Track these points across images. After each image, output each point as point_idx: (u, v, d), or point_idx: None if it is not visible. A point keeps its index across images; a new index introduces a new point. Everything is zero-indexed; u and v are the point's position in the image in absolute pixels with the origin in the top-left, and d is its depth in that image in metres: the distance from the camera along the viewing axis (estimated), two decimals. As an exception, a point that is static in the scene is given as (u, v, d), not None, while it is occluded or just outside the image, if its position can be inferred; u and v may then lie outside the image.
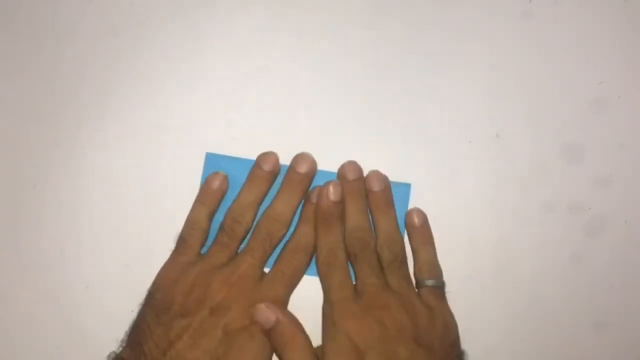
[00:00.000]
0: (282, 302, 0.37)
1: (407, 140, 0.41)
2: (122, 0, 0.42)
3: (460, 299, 0.40)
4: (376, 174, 0.39)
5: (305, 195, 0.39)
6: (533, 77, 0.42)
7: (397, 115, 0.41)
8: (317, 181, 0.40)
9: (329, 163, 0.41)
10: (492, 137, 0.41)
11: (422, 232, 0.39)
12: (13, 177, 0.41)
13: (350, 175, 0.39)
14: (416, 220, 0.39)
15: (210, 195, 0.39)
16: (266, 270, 0.38)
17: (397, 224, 0.39)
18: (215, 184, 0.39)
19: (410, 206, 0.40)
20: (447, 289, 0.40)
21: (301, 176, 0.38)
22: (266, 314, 0.36)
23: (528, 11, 0.43)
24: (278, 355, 0.36)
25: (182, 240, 0.38)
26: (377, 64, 0.42)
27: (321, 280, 0.38)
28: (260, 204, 0.39)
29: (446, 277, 0.40)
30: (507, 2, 0.43)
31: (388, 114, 0.41)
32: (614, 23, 0.43)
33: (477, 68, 0.42)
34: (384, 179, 0.39)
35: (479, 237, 0.41)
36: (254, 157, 0.40)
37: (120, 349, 0.36)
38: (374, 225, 0.39)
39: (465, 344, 0.39)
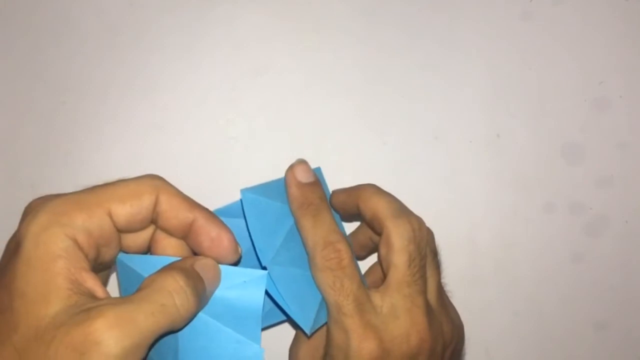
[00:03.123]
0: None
1: (407, 140, 0.41)
2: (121, -1, 0.42)
3: (460, 298, 0.40)
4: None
5: None
6: (533, 77, 0.42)
7: (397, 115, 0.41)
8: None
9: (328, 163, 0.41)
10: (493, 137, 0.41)
11: None
12: (11, 177, 0.41)
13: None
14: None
15: None
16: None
17: None
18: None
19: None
20: (446, 289, 0.40)
21: None
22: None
23: (528, 11, 0.42)
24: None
25: None
26: (376, 63, 0.42)
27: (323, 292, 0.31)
28: None
29: (446, 276, 0.40)
30: (507, 2, 0.43)
31: (388, 114, 0.41)
32: (615, 23, 0.43)
33: (478, 68, 0.42)
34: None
35: (479, 237, 0.41)
36: (253, 159, 0.40)
37: None
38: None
39: (466, 343, 0.39)
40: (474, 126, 0.41)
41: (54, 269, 0.23)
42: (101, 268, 0.28)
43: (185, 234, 0.28)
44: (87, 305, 0.23)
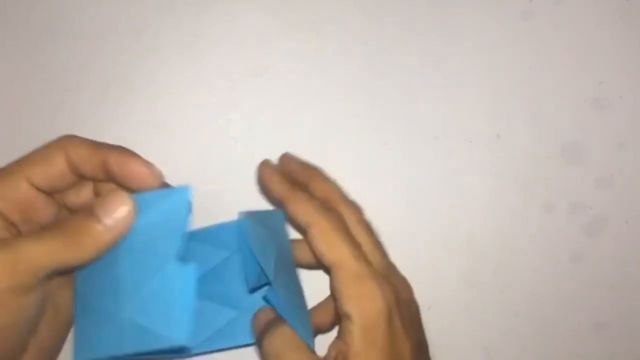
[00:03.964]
0: None
1: (407, 140, 0.41)
2: (121, -1, 0.42)
3: (460, 299, 0.40)
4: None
5: None
6: (533, 77, 0.42)
7: (397, 115, 0.41)
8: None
9: (328, 163, 0.41)
10: (492, 137, 0.41)
11: None
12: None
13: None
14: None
15: None
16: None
17: None
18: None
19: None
20: (446, 289, 0.40)
21: None
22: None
23: (528, 11, 0.43)
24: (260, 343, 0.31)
25: None
26: (376, 63, 0.42)
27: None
28: None
29: (446, 276, 0.40)
30: (507, 2, 0.43)
31: (388, 114, 0.41)
32: (615, 23, 0.43)
33: (478, 68, 0.42)
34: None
35: (478, 237, 0.41)
36: (253, 159, 0.40)
37: None
38: None
39: (466, 344, 0.39)
40: (474, 126, 0.41)
41: None
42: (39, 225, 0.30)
43: (108, 176, 0.29)
44: None
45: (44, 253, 0.25)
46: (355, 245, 0.30)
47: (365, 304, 0.28)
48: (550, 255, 0.41)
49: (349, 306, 0.28)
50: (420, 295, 0.38)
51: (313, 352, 0.30)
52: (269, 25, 0.42)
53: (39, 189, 0.28)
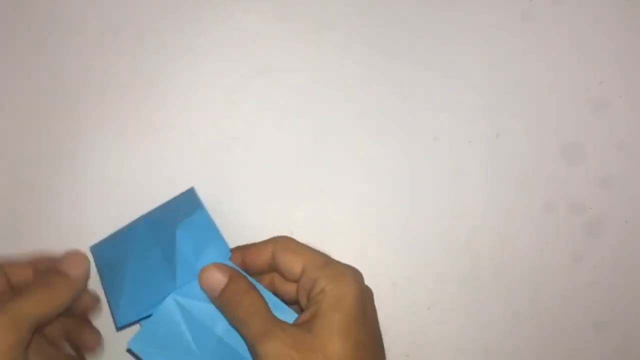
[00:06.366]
0: None
1: (407, 140, 0.41)
2: (122, -1, 0.42)
3: (460, 299, 0.40)
4: None
5: None
6: (533, 77, 0.42)
7: (396, 116, 0.41)
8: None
9: (328, 163, 0.41)
10: (492, 137, 0.41)
11: None
12: (11, 177, 0.41)
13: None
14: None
15: None
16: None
17: None
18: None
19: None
20: (446, 289, 0.40)
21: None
22: (216, 276, 0.32)
23: (528, 11, 0.43)
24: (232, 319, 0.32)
25: None
26: (376, 63, 0.42)
27: None
28: None
29: (446, 276, 0.40)
30: (507, 2, 0.43)
31: (388, 115, 0.41)
32: (614, 23, 0.43)
33: (478, 68, 0.42)
34: None
35: (478, 238, 0.41)
36: (253, 159, 0.40)
37: None
38: None
39: (466, 344, 0.39)
40: (474, 126, 0.41)
41: None
42: None
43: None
44: None
45: (32, 307, 0.31)
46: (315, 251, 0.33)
47: (340, 281, 0.31)
48: (550, 255, 0.41)
49: (325, 282, 0.31)
50: (420, 295, 0.38)
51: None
52: (269, 26, 0.42)
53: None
